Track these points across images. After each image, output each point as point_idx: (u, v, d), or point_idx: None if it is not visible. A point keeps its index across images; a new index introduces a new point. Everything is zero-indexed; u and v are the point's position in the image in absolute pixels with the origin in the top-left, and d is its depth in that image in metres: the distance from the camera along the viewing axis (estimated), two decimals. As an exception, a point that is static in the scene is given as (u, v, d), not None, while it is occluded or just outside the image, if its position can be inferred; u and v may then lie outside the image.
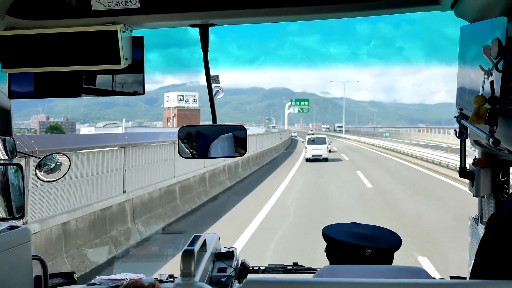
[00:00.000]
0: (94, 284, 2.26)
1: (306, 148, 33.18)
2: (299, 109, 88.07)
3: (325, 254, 2.28)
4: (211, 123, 2.16)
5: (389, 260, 2.16)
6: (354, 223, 2.40)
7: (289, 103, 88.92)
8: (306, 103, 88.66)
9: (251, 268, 2.61)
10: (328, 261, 2.25)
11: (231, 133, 2.11)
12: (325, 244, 2.25)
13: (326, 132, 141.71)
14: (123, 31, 1.83)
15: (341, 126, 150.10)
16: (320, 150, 32.37)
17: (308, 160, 31.97)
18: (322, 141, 33.53)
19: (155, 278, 2.25)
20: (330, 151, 36.61)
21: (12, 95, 2.02)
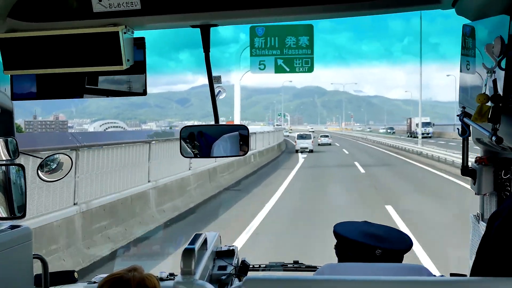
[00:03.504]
0: (95, 282, 2.27)
1: (296, 142, 43.03)
2: (280, 64, 19.18)
3: (334, 251, 2.27)
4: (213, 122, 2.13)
5: (399, 261, 2.15)
6: (365, 222, 2.41)
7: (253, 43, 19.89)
8: (306, 42, 19.16)
9: (251, 266, 2.63)
10: (337, 259, 2.25)
11: (233, 133, 2.12)
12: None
13: (387, 135, 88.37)
14: (125, 33, 1.85)
15: (429, 124, 66.61)
16: (306, 144, 41.40)
17: (297, 151, 40.40)
18: (308, 137, 42.99)
19: (155, 276, 2.25)
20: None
21: (15, 96, 2.05)
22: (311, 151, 40.19)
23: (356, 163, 28.32)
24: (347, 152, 41.27)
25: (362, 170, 24.58)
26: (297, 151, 39.74)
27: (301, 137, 42.92)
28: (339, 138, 76.32)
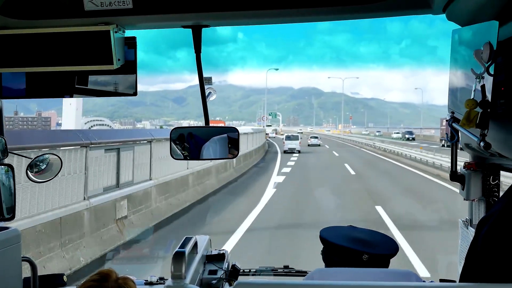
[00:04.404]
0: None
1: (284, 143, 43.42)
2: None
3: (321, 256, 2.29)
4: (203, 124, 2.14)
5: (385, 266, 2.17)
6: (351, 226, 2.41)
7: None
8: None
9: (241, 271, 2.63)
10: (324, 264, 2.25)
11: (223, 135, 2.11)
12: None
13: (404, 142, 61.08)
14: (116, 32, 1.83)
15: None
16: (294, 144, 41.99)
17: (285, 152, 40.64)
18: (295, 138, 43.75)
19: (145, 280, 2.25)
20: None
21: (4, 94, 2.03)
22: (298, 151, 41.28)
23: (386, 218, 12.05)
24: (353, 173, 24.29)
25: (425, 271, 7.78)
26: (285, 152, 40.79)
27: (288, 138, 44.47)
28: (338, 144, 61.67)
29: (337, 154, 40.72)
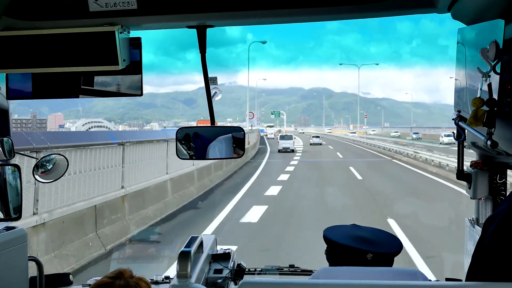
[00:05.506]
0: (89, 285, 2.27)
1: (278, 142, 45.38)
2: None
3: (325, 256, 2.27)
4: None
5: (389, 265, 2.16)
6: (354, 225, 2.40)
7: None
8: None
9: (247, 270, 2.62)
10: (328, 263, 2.25)
11: (229, 134, 2.12)
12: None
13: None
14: (121, 32, 1.84)
15: None
16: (288, 144, 43.86)
17: (279, 151, 42.31)
18: (289, 138, 45.77)
19: (151, 280, 2.25)
20: None
21: (10, 95, 2.04)
22: (292, 150, 43.41)
23: None
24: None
25: None
26: (279, 151, 42.49)
27: (283, 138, 46.50)
28: (357, 153, 42.12)
29: (359, 177, 21.96)
